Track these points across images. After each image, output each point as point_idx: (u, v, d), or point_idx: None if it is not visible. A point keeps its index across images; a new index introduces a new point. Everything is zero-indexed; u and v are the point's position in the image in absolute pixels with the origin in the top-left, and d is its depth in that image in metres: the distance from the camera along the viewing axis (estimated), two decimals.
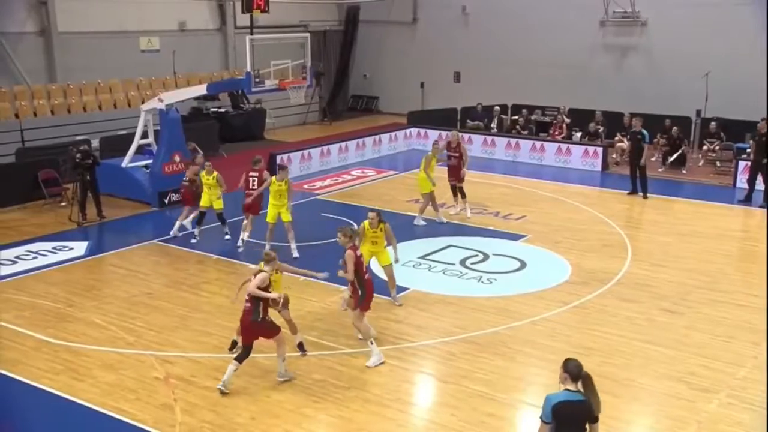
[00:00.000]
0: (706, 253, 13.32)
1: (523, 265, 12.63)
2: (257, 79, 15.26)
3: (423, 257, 12.87)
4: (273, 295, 8.34)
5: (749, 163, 17.47)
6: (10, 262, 12.59)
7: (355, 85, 30.47)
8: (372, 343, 9.10)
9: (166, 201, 16.20)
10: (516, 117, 23.61)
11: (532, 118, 23.43)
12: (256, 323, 8.33)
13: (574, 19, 24.29)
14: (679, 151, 19.61)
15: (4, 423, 8.17)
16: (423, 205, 14.76)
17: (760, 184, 16.84)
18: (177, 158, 16.33)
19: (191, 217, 14.19)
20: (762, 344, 9.45)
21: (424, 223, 14.72)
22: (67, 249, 13.39)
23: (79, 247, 13.51)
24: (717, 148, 20.05)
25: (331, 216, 14.96)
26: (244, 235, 13.29)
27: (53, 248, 13.41)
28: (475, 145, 21.73)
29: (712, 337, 9.92)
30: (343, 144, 20.70)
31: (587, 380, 5.43)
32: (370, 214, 10.36)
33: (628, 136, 18.38)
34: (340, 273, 9.06)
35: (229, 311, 10.70)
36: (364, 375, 8.87)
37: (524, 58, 25.13)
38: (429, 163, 14.53)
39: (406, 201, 15.29)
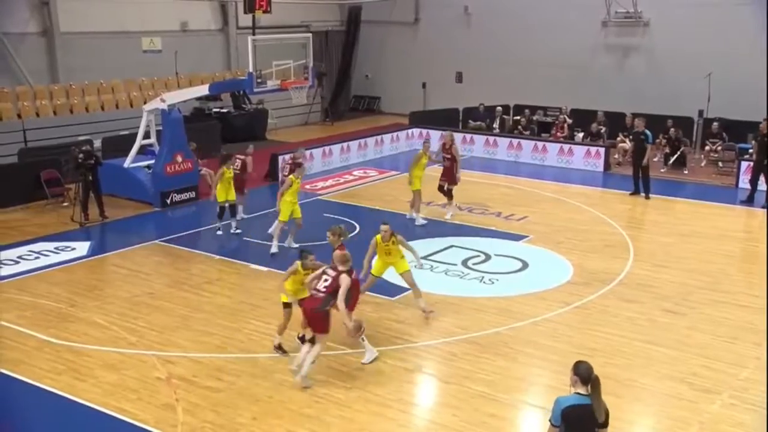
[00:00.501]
0: (708, 254, 13.30)
1: (524, 265, 12.62)
2: (259, 80, 15.26)
3: (425, 258, 12.79)
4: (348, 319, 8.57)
5: (751, 163, 17.45)
6: (12, 262, 12.60)
7: (357, 85, 30.47)
8: (364, 340, 9.12)
9: (168, 201, 16.21)
10: (518, 117, 23.60)
11: (534, 118, 23.43)
12: (319, 312, 8.40)
13: (576, 20, 24.28)
14: (678, 152, 19.58)
15: (6, 423, 8.17)
16: (416, 203, 14.78)
17: (762, 185, 16.81)
18: (179, 158, 16.33)
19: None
20: (764, 345, 9.43)
21: (425, 221, 14.72)
22: (69, 249, 13.40)
23: (81, 247, 13.52)
24: (719, 148, 20.04)
25: (333, 216, 14.95)
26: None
27: (55, 248, 13.41)
28: (477, 145, 21.75)
29: (714, 338, 9.90)
30: (345, 144, 20.71)
31: (595, 384, 5.39)
32: (383, 227, 10.16)
33: (631, 137, 18.36)
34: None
35: (230, 311, 10.72)
36: (365, 375, 8.87)
37: (526, 58, 25.12)
38: (417, 161, 14.57)
39: (407, 201, 15.25)
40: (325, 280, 8.53)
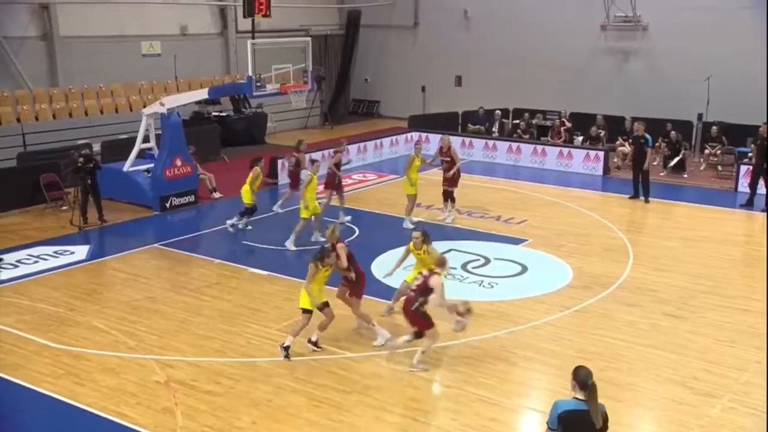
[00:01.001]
0: (708, 258, 13.30)
1: (524, 269, 12.61)
2: (258, 84, 15.26)
3: None
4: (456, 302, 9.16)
5: (751, 167, 17.46)
6: (11, 266, 12.58)
7: (357, 89, 30.49)
8: (374, 325, 9.63)
9: (168, 205, 16.20)
10: (517, 121, 23.61)
11: (534, 122, 23.43)
12: (413, 312, 8.87)
13: (575, 23, 24.32)
14: (680, 156, 19.59)
15: (6, 427, 8.15)
16: (409, 207, 14.79)
17: (761, 188, 16.82)
18: (178, 162, 16.33)
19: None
20: (764, 348, 9.42)
21: (413, 226, 14.71)
22: (68, 253, 13.38)
23: (81, 251, 13.51)
24: (718, 152, 20.06)
25: (333, 221, 14.93)
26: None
27: (54, 252, 13.40)
28: (476, 149, 21.76)
29: (714, 342, 9.90)
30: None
31: (591, 390, 5.42)
32: (414, 234, 10.11)
33: (631, 141, 18.37)
34: (337, 263, 9.48)
35: (230, 315, 10.71)
36: (365, 380, 8.85)
37: (526, 62, 25.15)
38: (410, 164, 14.59)
39: (405, 205, 15.27)
40: (416, 279, 9.09)
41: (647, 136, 17.02)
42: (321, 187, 14.63)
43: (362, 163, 20.86)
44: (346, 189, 17.93)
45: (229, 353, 9.53)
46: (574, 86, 24.27)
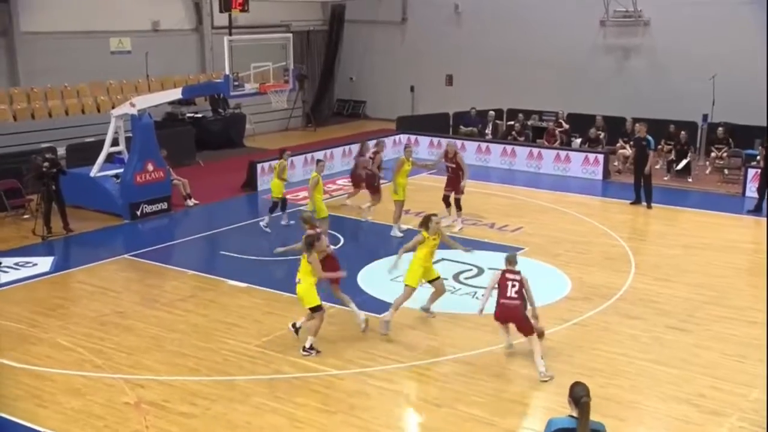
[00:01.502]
0: (715, 267, 13.38)
1: None
2: (236, 83, 15.27)
3: None
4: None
5: (759, 170, 17.61)
6: None
7: (341, 88, 30.53)
8: (352, 304, 10.40)
9: (139, 213, 16.12)
10: (512, 122, 23.71)
11: (529, 123, 23.53)
12: (524, 317, 9.38)
13: (572, 19, 24.48)
14: (687, 159, 19.71)
15: None
16: (396, 214, 14.83)
17: None
18: (150, 167, 16.27)
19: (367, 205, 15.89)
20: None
21: (401, 234, 14.73)
22: (30, 265, 13.28)
23: (44, 263, 13.41)
24: (725, 154, 20.20)
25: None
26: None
27: (15, 264, 13.29)
28: (468, 152, 21.76)
29: (722, 356, 9.95)
30: (328, 151, 20.68)
31: (582, 408, 5.45)
32: (434, 218, 10.61)
33: (632, 143, 18.48)
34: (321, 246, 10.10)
35: (205, 331, 10.66)
36: (350, 398, 8.83)
37: (520, 59, 25.27)
38: (399, 168, 14.63)
39: (393, 212, 15.28)
40: (513, 286, 9.36)
41: (649, 137, 17.13)
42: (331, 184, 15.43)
43: (347, 168, 20.79)
44: (331, 195, 17.97)
45: (204, 371, 9.48)
46: (571, 85, 24.42)
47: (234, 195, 18.22)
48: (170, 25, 24.62)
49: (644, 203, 17.20)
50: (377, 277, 12.41)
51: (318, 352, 9.80)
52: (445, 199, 15.45)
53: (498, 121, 24.06)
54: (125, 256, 13.85)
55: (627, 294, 12.06)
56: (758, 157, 18.68)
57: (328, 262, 10.22)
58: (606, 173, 20.07)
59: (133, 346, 10.17)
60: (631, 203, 17.43)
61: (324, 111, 29.47)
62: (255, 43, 16.98)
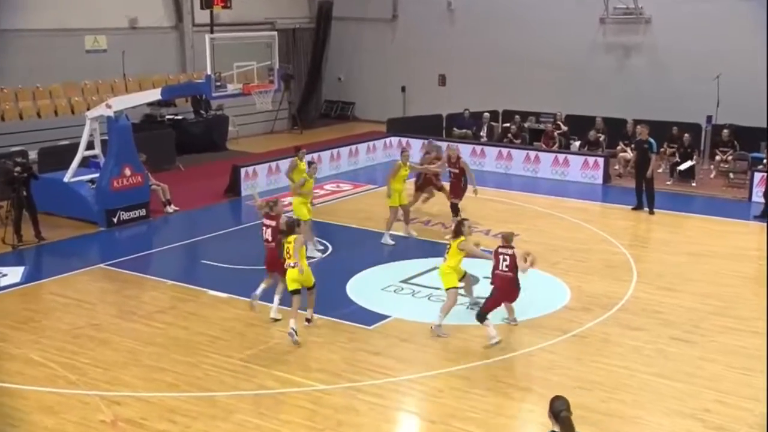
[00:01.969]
0: (720, 275, 13.44)
1: None
2: (218, 83, 15.24)
3: (405, 281, 12.86)
4: None
5: (765, 174, 17.71)
6: None
7: (329, 89, 30.55)
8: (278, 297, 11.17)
9: (115, 220, 16.07)
10: (507, 124, 23.77)
11: (526, 125, 23.62)
12: (515, 288, 10.69)
13: (571, 17, 24.58)
14: (692, 161, 19.78)
15: None
16: (390, 221, 14.87)
17: None
18: (127, 172, 16.23)
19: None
20: None
21: (392, 242, 14.73)
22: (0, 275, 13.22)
23: (14, 273, 13.35)
24: (730, 158, 20.29)
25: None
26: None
27: None
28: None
29: (727, 369, 9.98)
30: (315, 155, 20.55)
31: (563, 422, 5.46)
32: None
33: (633, 146, 18.56)
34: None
35: (186, 344, 10.63)
36: (339, 415, 8.82)
37: (516, 59, 25.36)
38: (395, 173, 14.66)
39: (386, 218, 15.30)
40: (504, 260, 10.55)
41: (651, 140, 17.19)
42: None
43: (336, 172, 20.88)
44: (318, 200, 17.97)
45: (184, 387, 9.45)
46: (570, 86, 24.50)
47: (216, 201, 18.19)
48: (148, 23, 24.57)
49: (646, 209, 17.26)
50: (367, 287, 12.41)
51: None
52: (453, 207, 15.52)
53: (493, 123, 24.11)
54: (101, 265, 13.80)
55: (628, 304, 12.10)
56: (765, 161, 18.78)
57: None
58: (606, 177, 20.13)
59: (109, 361, 10.13)
60: (632, 209, 17.48)
61: (311, 112, 29.47)
62: (238, 42, 16.99)
